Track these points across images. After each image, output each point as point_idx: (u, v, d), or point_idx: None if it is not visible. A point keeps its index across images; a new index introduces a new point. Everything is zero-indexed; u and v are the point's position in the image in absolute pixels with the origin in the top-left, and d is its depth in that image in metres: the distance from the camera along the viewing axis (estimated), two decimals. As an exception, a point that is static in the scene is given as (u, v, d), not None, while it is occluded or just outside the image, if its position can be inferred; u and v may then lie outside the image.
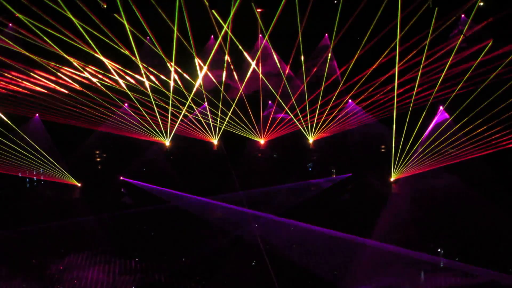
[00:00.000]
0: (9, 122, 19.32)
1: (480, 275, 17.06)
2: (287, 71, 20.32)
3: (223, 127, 21.21)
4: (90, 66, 19.06)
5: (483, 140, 18.39)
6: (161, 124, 20.90)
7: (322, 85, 20.32)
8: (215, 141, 21.63)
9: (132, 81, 19.87)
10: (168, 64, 19.53)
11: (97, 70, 19.25)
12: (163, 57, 19.14)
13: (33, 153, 20.05)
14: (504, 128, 17.87)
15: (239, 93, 20.68)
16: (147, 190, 21.48)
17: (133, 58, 18.80)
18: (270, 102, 21.10)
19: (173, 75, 19.89)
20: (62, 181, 20.80)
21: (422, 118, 19.00)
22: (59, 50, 17.79)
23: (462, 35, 16.79)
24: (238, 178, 21.31)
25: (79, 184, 21.04)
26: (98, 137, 21.23)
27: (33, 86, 19.19)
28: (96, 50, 18.11)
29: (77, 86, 19.42)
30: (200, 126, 21.36)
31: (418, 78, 18.17)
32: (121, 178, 21.65)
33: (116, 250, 19.39)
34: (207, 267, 18.57)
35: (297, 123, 21.14)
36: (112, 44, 18.08)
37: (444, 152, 19.31)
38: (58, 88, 19.49)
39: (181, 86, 20.25)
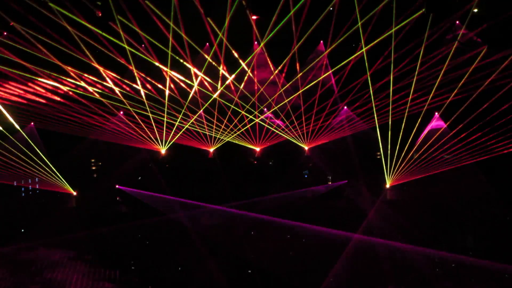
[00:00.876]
0: (3, 130, 19.23)
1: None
2: (282, 79, 20.32)
3: (221, 137, 21.20)
4: (85, 75, 19.00)
5: (478, 146, 18.44)
6: (156, 132, 20.85)
7: (318, 92, 20.34)
8: (210, 149, 21.60)
9: (127, 89, 19.83)
10: (163, 72, 19.51)
11: (92, 78, 19.20)
12: (158, 64, 19.12)
13: (28, 162, 19.96)
14: (499, 134, 17.91)
15: (235, 101, 20.68)
16: (142, 198, 21.40)
17: (129, 67, 18.77)
18: (265, 109, 21.09)
19: (168, 82, 19.86)
20: (57, 190, 20.71)
21: (417, 124, 19.05)
22: (54, 59, 17.74)
23: (457, 41, 16.84)
24: (233, 186, 21.29)
25: (74, 193, 20.94)
26: (92, 145, 21.16)
27: (28, 94, 19.11)
28: (91, 58, 18.07)
29: (72, 94, 19.36)
30: (195, 134, 21.32)
31: (413, 84, 18.21)
32: (117, 186, 21.58)
33: (108, 258, 19.32)
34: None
35: (293, 130, 21.14)
36: (107, 52, 18.04)
37: (439, 159, 19.34)
38: (53, 96, 19.43)
39: (177, 94, 20.22)
